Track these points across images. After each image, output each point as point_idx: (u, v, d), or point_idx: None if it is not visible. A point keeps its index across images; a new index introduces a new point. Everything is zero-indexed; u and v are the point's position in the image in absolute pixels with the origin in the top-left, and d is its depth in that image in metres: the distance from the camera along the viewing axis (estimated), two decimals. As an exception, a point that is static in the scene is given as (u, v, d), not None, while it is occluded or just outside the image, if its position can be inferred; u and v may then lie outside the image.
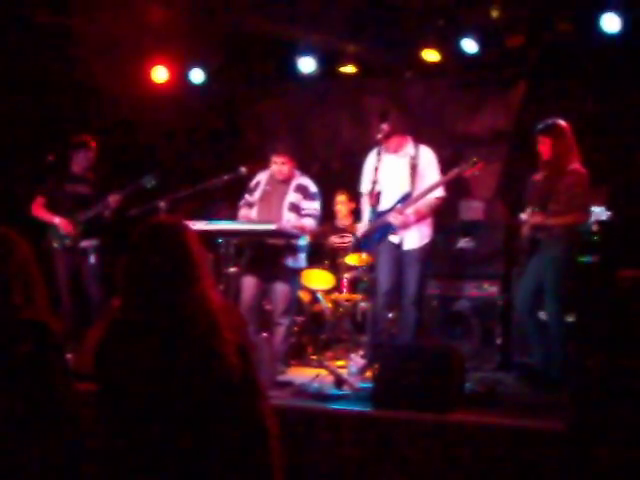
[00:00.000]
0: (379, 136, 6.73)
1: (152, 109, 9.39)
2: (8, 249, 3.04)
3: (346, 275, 8.48)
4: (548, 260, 6.55)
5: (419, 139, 7.04)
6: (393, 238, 6.82)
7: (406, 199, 6.81)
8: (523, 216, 6.81)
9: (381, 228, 6.83)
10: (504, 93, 9.15)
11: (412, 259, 6.84)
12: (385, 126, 6.74)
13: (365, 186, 7.04)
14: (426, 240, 6.93)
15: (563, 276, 6.55)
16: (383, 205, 6.87)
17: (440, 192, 6.87)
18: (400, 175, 6.88)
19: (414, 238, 6.86)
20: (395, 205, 6.82)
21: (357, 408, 5.59)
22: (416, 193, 6.80)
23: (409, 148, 6.95)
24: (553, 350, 6.49)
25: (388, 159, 6.89)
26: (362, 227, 6.98)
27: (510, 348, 7.73)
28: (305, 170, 7.36)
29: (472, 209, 8.63)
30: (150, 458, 2.72)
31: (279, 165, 7.03)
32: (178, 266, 2.85)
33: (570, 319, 7.01)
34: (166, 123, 9.69)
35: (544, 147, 6.62)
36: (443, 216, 7.47)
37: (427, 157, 6.95)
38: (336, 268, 8.55)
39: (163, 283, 2.82)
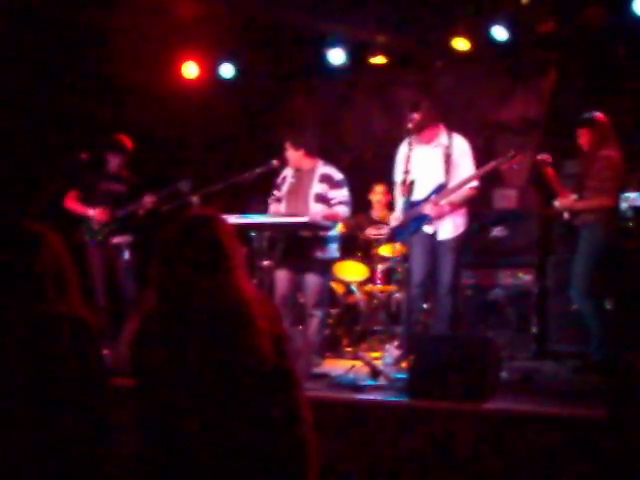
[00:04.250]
0: (410, 126, 6.70)
1: (183, 105, 9.46)
2: (40, 243, 3.02)
3: (380, 266, 8.46)
4: (583, 246, 6.63)
5: (452, 128, 7.01)
6: (428, 229, 6.80)
7: (440, 190, 6.77)
8: (556, 203, 6.89)
9: (415, 219, 6.80)
10: (535, 80, 9.07)
11: (446, 249, 6.81)
12: (416, 116, 6.71)
13: (398, 176, 7.03)
14: (460, 230, 6.89)
15: (598, 261, 6.58)
16: (417, 195, 6.83)
17: (474, 182, 6.84)
18: (434, 165, 6.84)
19: (448, 228, 6.84)
20: (429, 196, 6.79)
21: (393, 399, 5.59)
22: (451, 183, 6.76)
23: (442, 138, 6.91)
24: (593, 336, 6.51)
25: (421, 149, 6.84)
26: (396, 218, 6.96)
27: (546, 337, 7.68)
28: (337, 162, 7.32)
29: (506, 198, 8.61)
30: (185, 450, 2.73)
31: (296, 158, 7.01)
32: (212, 257, 2.85)
33: (608, 306, 6.97)
34: (197, 118, 9.76)
35: (582, 139, 6.82)
36: (477, 205, 7.42)
37: (461, 146, 6.91)
38: (370, 259, 8.53)
39: (196, 274, 2.83)
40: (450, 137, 6.92)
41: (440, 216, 6.77)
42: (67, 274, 3.04)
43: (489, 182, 7.86)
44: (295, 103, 9.94)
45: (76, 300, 3.03)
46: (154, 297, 2.86)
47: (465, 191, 6.82)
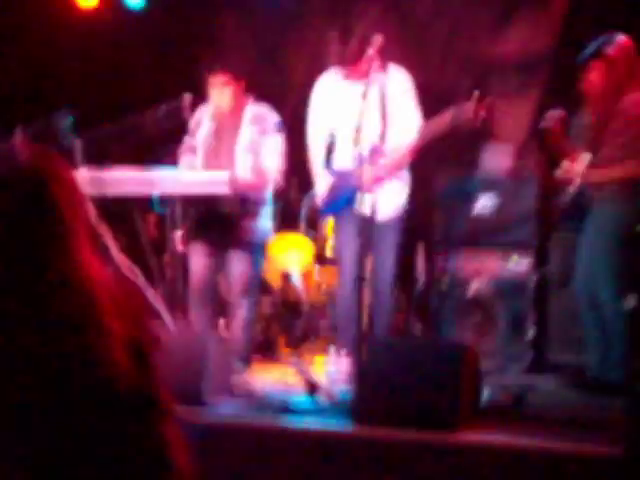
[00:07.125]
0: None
1: (82, 36, 9.42)
2: None
3: (330, 243, 8.31)
4: (601, 227, 6.37)
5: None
6: (362, 206, 6.40)
7: (375, 151, 6.59)
8: (561, 171, 6.60)
9: (345, 190, 6.63)
10: (541, 3, 8.91)
11: (387, 232, 6.69)
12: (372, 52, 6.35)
13: (318, 130, 6.97)
14: (403, 204, 6.83)
15: (621, 248, 6.32)
16: (344, 156, 6.72)
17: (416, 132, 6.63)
18: (366, 111, 6.36)
19: (389, 204, 6.70)
20: (361, 160, 6.43)
21: (333, 424, 5.48)
22: (388, 134, 6.65)
23: (377, 71, 6.54)
24: (611, 346, 6.31)
25: (349, 87, 6.68)
26: (321, 188, 6.91)
27: (546, 342, 7.57)
28: (278, 102, 7.32)
29: (498, 156, 8.40)
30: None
31: (219, 88, 6.82)
32: (37, 226, 2.54)
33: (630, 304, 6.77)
34: (98, 52, 9.69)
35: (594, 78, 6.39)
36: (459, 166, 7.42)
37: (401, 84, 6.74)
38: (317, 233, 8.48)
39: (14, 250, 2.52)
40: (386, 71, 6.68)
41: (377, 184, 6.53)
42: None
43: (476, 135, 7.66)
44: (223, 24, 9.79)
45: None
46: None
47: (407, 147, 6.65)
